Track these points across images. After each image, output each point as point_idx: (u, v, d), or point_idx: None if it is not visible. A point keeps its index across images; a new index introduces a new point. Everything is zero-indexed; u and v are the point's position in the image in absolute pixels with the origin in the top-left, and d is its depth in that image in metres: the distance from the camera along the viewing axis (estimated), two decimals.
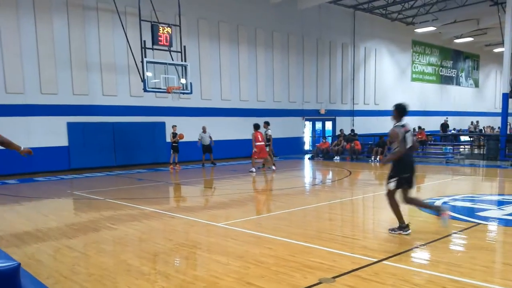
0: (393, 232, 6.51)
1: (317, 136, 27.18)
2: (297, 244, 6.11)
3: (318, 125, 27.72)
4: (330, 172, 16.89)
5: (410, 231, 6.43)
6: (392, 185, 6.32)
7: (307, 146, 26.73)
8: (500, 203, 9.23)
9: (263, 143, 15.88)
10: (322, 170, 18.04)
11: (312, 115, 26.24)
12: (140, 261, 5.53)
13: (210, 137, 18.95)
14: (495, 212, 8.15)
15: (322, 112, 26.57)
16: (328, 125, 27.91)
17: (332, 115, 27.37)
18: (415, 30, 30.46)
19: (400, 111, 6.33)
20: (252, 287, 4.51)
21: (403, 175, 6.27)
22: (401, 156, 6.19)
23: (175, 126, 17.66)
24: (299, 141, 25.60)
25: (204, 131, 18.95)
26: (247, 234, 6.76)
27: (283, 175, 15.76)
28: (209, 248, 6.13)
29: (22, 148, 5.39)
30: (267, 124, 17.04)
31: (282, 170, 16.97)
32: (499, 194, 10.89)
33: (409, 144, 6.27)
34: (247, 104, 22.74)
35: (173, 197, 11.94)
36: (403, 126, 6.28)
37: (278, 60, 24.15)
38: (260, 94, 23.40)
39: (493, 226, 7.16)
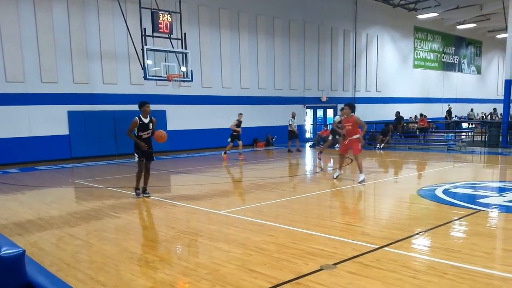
0: (138, 196, 9.05)
1: (318, 124, 27.13)
2: (298, 231, 6.14)
3: (320, 112, 27.65)
4: (331, 160, 16.89)
5: (140, 195, 9.07)
6: (136, 158, 8.90)
7: (308, 134, 26.72)
8: (501, 190, 9.24)
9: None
10: (323, 157, 18.04)
11: (313, 102, 26.18)
12: (142, 249, 5.56)
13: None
14: (496, 199, 8.16)
15: (324, 99, 26.50)
16: (330, 112, 27.85)
17: (334, 102, 27.30)
18: (417, 16, 30.22)
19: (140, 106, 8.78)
20: (254, 274, 4.53)
21: (137, 151, 8.84)
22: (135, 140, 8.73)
23: (241, 114, 16.91)
24: (300, 129, 25.58)
25: (293, 116, 19.31)
26: (248, 222, 6.79)
27: (284, 163, 15.76)
28: (211, 235, 6.15)
29: None
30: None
31: (283, 158, 16.98)
32: (500, 181, 10.89)
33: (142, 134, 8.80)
34: (248, 92, 22.66)
35: (175, 185, 11.96)
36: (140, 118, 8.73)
37: (279, 47, 24.01)
38: (261, 81, 23.31)
39: (493, 213, 7.17)
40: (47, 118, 16.86)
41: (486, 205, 7.55)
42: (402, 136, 22.30)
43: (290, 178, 12.34)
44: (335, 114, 27.57)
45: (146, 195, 9.07)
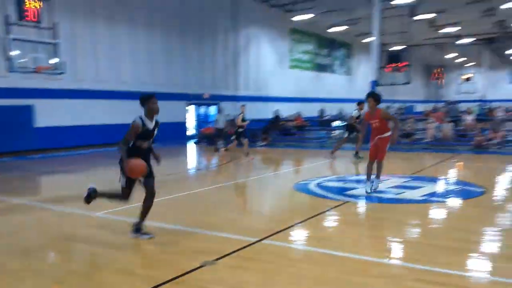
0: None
1: (201, 121, 27.13)
2: (182, 229, 6.08)
3: (202, 109, 27.69)
4: (215, 157, 17.04)
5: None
6: (122, 181, 5.84)
7: (191, 131, 26.58)
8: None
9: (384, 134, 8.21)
10: (206, 155, 18.13)
11: (195, 99, 26.11)
12: (8, 258, 5.06)
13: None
14: (363, 190, 8.89)
15: (206, 96, 26.56)
16: (212, 110, 28.02)
17: (216, 99, 27.52)
18: (293, 18, 31.63)
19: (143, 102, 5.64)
20: (133, 276, 4.41)
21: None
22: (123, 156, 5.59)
23: (244, 105, 15.20)
24: (182, 126, 25.36)
25: (220, 112, 18.55)
26: (129, 223, 6.55)
27: (168, 161, 15.47)
28: (86, 239, 5.82)
29: None
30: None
31: (166, 156, 16.67)
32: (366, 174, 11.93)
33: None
34: (127, 86, 21.74)
35: (45, 187, 11.07)
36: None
37: (160, 42, 23.47)
38: (141, 76, 22.55)
39: (360, 203, 7.85)
40: None
41: (354, 196, 8.23)
42: (280, 134, 23.29)
43: (176, 175, 12.18)
44: (218, 111, 27.80)
45: (144, 236, 5.67)
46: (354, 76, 43.85)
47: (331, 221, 6.80)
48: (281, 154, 17.68)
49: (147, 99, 5.61)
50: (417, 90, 51.81)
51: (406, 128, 18.53)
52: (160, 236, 5.72)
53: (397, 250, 5.29)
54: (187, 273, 4.41)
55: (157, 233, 5.85)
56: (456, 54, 49.46)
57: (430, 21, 32.86)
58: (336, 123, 27.68)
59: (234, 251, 5.02)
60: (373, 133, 8.19)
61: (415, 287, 4.07)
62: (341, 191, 8.82)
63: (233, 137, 14.96)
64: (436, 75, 56.91)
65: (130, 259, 4.92)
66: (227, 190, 9.70)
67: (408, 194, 8.24)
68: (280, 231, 5.90)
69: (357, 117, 14.07)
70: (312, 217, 6.69)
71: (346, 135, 14.64)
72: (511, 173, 12.29)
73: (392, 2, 25.21)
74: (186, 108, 25.66)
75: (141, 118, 5.53)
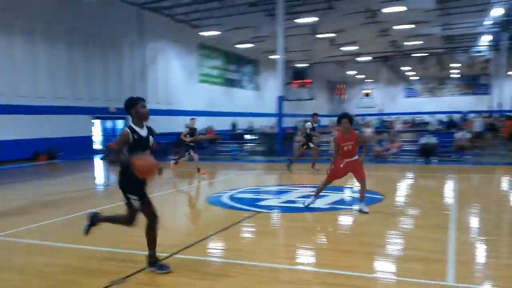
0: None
1: (108, 135, 26.10)
2: (89, 249, 5.78)
3: (109, 123, 26.66)
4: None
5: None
6: (135, 202, 5.09)
7: (97, 146, 25.46)
8: (278, 193, 10.44)
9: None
10: (114, 170, 17.45)
11: (101, 113, 25.09)
12: None
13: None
14: (273, 201, 9.16)
15: (112, 110, 25.61)
16: (120, 124, 27.10)
17: (123, 113, 26.65)
18: (200, 33, 31.77)
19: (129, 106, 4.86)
20: None
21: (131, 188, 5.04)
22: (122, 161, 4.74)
23: (194, 118, 14.02)
24: (87, 140, 24.20)
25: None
26: (30, 244, 6.11)
27: (72, 177, 14.70)
28: None
29: None
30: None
31: (71, 172, 15.83)
32: (276, 185, 12.29)
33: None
34: (25, 100, 20.32)
35: None
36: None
37: (63, 55, 22.28)
38: (40, 89, 21.20)
39: (272, 213, 8.05)
40: None
41: (266, 207, 8.42)
42: None
43: (85, 191, 11.56)
44: (125, 126, 26.93)
45: (164, 270, 4.81)
46: (262, 91, 44.91)
47: (243, 232, 6.90)
48: (193, 168, 17.54)
49: (134, 103, 4.81)
50: (322, 105, 54.30)
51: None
52: (65, 257, 5.42)
53: (306, 256, 5.51)
54: None
55: (61, 254, 5.54)
56: (356, 71, 52.84)
57: (331, 40, 34.87)
58: (248, 136, 28.21)
59: (144, 268, 4.89)
60: (343, 155, 7.73)
61: None
62: (253, 202, 8.98)
63: (187, 152, 14.14)
64: (339, 90, 60.48)
65: (29, 283, 4.59)
66: None
67: (316, 203, 8.61)
68: (193, 244, 5.87)
69: (312, 129, 14.28)
70: (225, 229, 6.74)
71: (312, 145, 14.29)
72: (407, 180, 13.37)
73: (296, 21, 26.36)
74: (92, 122, 24.58)
75: (130, 127, 4.77)
